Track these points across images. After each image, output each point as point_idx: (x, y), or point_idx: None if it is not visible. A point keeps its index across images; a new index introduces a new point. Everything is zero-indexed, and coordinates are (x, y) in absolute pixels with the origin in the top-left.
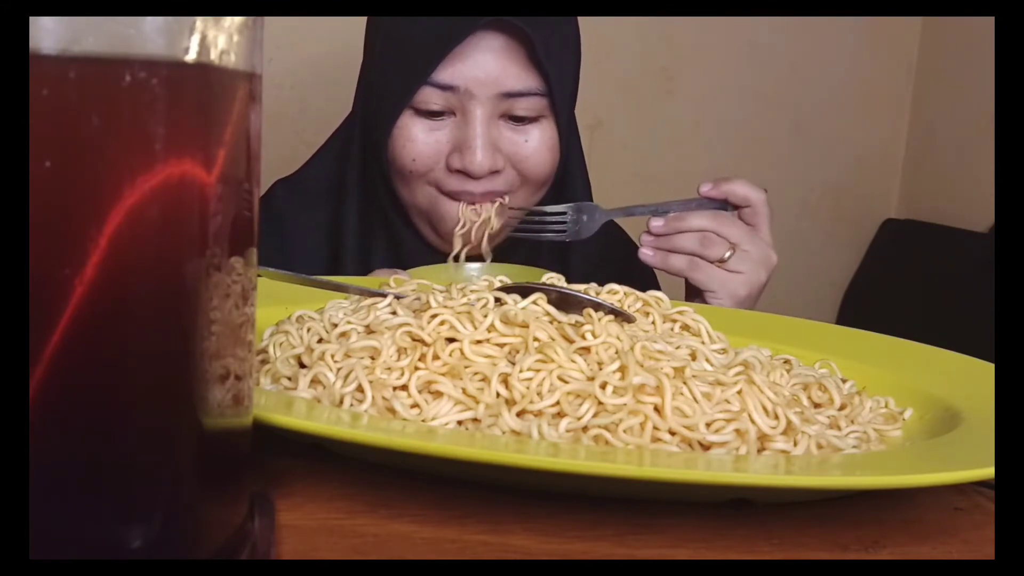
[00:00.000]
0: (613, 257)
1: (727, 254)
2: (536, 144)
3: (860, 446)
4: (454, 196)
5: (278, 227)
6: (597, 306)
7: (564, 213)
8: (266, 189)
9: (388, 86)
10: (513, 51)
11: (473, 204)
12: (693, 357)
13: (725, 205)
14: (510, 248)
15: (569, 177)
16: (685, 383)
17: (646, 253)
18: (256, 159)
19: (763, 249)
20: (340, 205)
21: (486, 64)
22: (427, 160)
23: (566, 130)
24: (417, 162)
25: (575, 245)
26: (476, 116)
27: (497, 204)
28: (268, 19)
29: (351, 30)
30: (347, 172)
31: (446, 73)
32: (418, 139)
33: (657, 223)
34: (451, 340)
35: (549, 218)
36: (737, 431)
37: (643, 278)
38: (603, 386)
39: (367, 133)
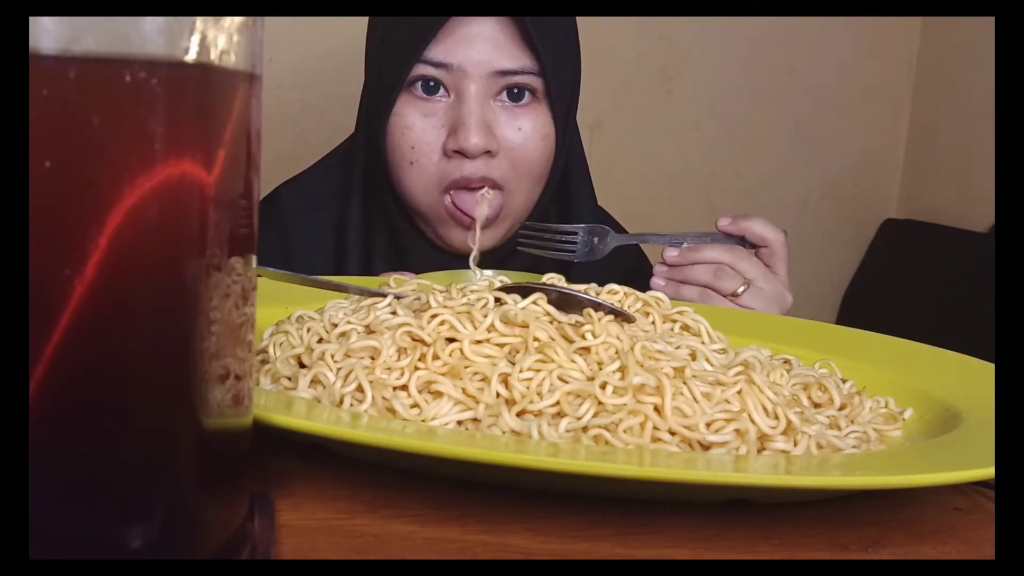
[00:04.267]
0: (617, 260)
1: (740, 289)
2: (528, 132)
3: (860, 446)
4: (452, 187)
5: (282, 229)
6: (597, 306)
7: (576, 233)
8: (269, 191)
9: (384, 71)
10: (507, 30)
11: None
12: (693, 357)
13: (743, 242)
14: (511, 258)
15: (571, 179)
16: (685, 383)
17: (658, 283)
18: (256, 159)
19: (778, 288)
20: (344, 208)
21: (479, 42)
22: (425, 148)
23: (563, 124)
24: (416, 150)
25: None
26: (470, 94)
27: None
28: (268, 19)
29: (351, 30)
30: (351, 176)
31: (440, 50)
32: (415, 126)
33: (671, 253)
34: (451, 340)
35: (560, 236)
36: (737, 431)
37: (647, 279)
38: (603, 386)
39: (369, 130)
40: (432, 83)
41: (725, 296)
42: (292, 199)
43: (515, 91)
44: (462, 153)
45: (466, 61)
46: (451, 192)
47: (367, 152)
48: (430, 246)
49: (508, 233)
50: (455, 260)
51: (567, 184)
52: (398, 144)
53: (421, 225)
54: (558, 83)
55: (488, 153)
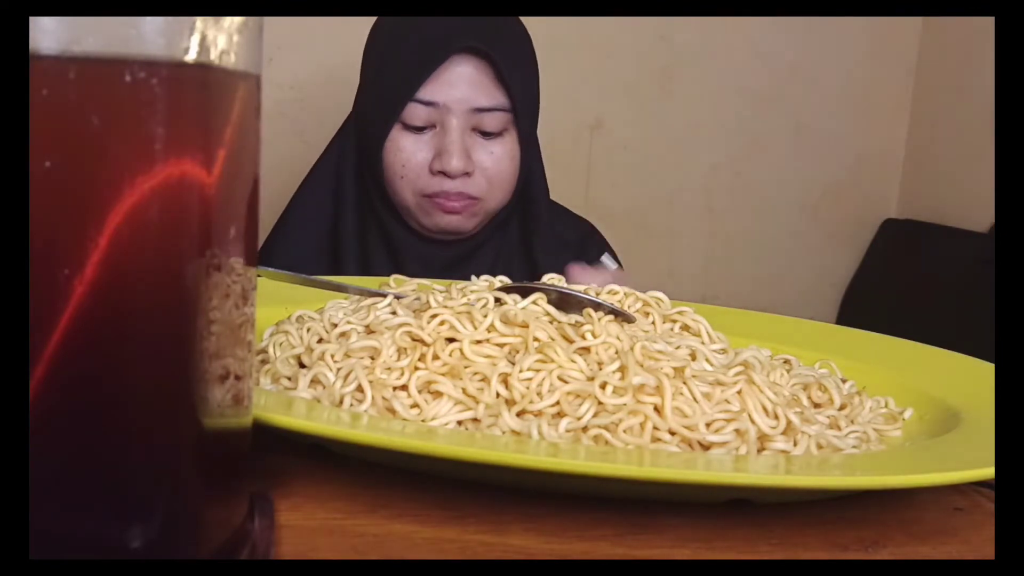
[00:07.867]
0: (569, 240)
1: None
2: (499, 156)
3: (860, 446)
4: (434, 196)
5: (284, 240)
6: (597, 306)
7: None
8: (268, 197)
9: (380, 105)
10: (483, 72)
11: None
12: (693, 357)
13: None
14: (479, 250)
15: (531, 182)
16: (685, 383)
17: None
18: (256, 159)
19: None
20: (339, 209)
21: (461, 84)
22: (414, 167)
23: (527, 142)
24: (406, 167)
25: (537, 240)
26: (453, 127)
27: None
28: (268, 19)
29: (351, 30)
30: (344, 182)
31: (428, 91)
32: (406, 149)
33: None
34: (451, 340)
35: None
36: (737, 431)
37: (598, 249)
38: (603, 386)
39: (362, 147)
40: (421, 118)
41: None
42: (292, 211)
43: (488, 127)
44: (445, 173)
45: (450, 99)
46: (433, 199)
47: (358, 166)
48: (417, 238)
49: (479, 225)
50: (440, 246)
51: (527, 186)
52: (391, 162)
53: (406, 218)
54: (525, 114)
55: (466, 174)
